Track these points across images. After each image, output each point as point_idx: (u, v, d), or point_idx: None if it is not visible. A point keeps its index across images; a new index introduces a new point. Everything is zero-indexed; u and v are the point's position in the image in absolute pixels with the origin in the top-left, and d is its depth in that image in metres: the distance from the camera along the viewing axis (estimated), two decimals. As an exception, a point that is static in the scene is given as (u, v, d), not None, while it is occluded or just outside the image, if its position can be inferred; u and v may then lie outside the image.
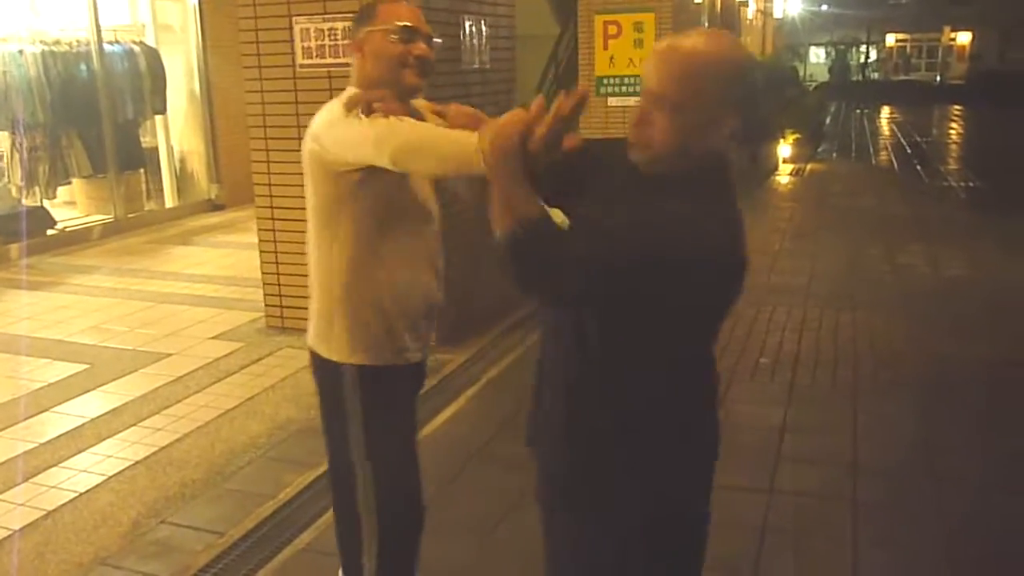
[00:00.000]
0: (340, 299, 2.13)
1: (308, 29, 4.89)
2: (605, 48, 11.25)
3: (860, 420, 4.07)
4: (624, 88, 11.18)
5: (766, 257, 7.28)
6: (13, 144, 7.76)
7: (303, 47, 4.91)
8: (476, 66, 5.36)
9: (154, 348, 4.98)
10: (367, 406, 2.20)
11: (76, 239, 8.17)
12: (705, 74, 1.47)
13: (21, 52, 7.69)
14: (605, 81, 11.33)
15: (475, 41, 5.29)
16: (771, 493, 3.41)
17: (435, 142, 1.86)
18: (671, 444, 1.62)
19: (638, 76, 10.95)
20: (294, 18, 4.91)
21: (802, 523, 3.21)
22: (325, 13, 4.83)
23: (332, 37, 4.84)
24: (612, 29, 11.17)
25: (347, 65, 4.85)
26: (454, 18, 5.02)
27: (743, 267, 1.57)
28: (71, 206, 8.95)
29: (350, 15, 4.72)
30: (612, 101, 11.30)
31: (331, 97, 5.36)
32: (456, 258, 5.10)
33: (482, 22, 5.35)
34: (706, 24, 14.26)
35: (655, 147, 1.51)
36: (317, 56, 4.90)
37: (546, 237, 1.46)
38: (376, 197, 2.05)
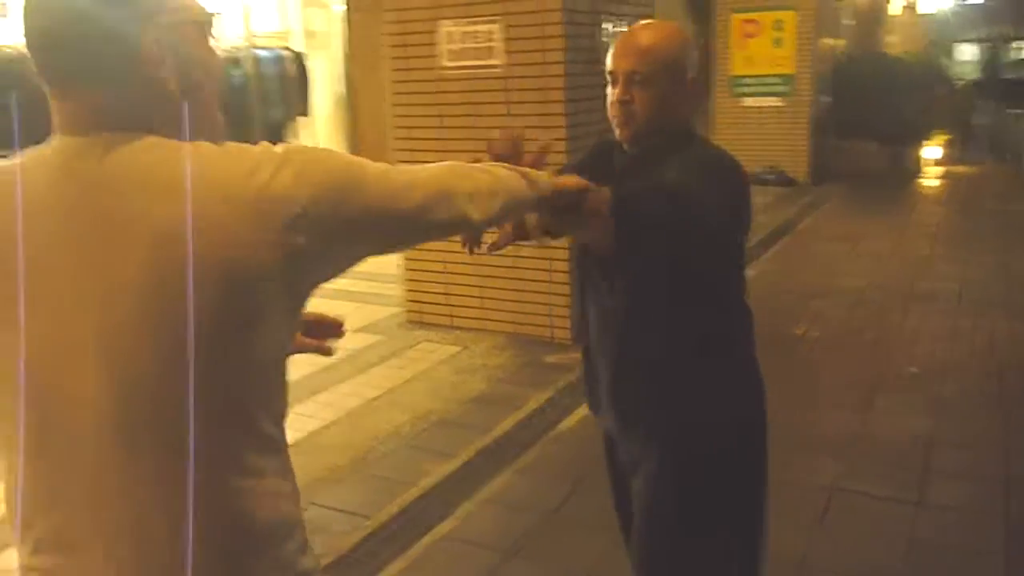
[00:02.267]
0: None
1: (453, 32, 5.02)
2: (742, 47, 11.05)
3: (1012, 434, 3.87)
4: (762, 88, 10.94)
5: (913, 262, 6.99)
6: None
7: (447, 49, 5.05)
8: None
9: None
10: None
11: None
12: (663, 49, 1.77)
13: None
14: (740, 81, 11.12)
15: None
16: (919, 506, 3.28)
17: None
18: (732, 375, 1.92)
19: (777, 76, 10.72)
20: (439, 21, 5.06)
21: (951, 538, 3.08)
22: (469, 16, 4.95)
23: (475, 40, 4.96)
24: (750, 27, 10.95)
25: (489, 67, 4.97)
26: (594, 19, 5.05)
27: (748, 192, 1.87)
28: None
29: (494, 17, 4.86)
30: (747, 101, 11.08)
31: (473, 98, 5.46)
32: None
33: (623, 23, 5.36)
34: (853, 22, 13.80)
35: (638, 118, 1.79)
36: (460, 58, 5.02)
37: (634, 207, 1.58)
38: None
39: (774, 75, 10.91)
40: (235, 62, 8.76)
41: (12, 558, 2.41)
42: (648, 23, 1.86)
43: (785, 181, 10.69)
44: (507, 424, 4.01)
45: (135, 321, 0.98)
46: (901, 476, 3.50)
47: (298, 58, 9.41)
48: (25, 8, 1.03)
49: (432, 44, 5.09)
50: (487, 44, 4.93)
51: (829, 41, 11.56)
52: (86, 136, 1.03)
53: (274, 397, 1.11)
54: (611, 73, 1.82)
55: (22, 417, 1.04)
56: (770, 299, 6.27)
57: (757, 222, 7.99)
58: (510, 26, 4.84)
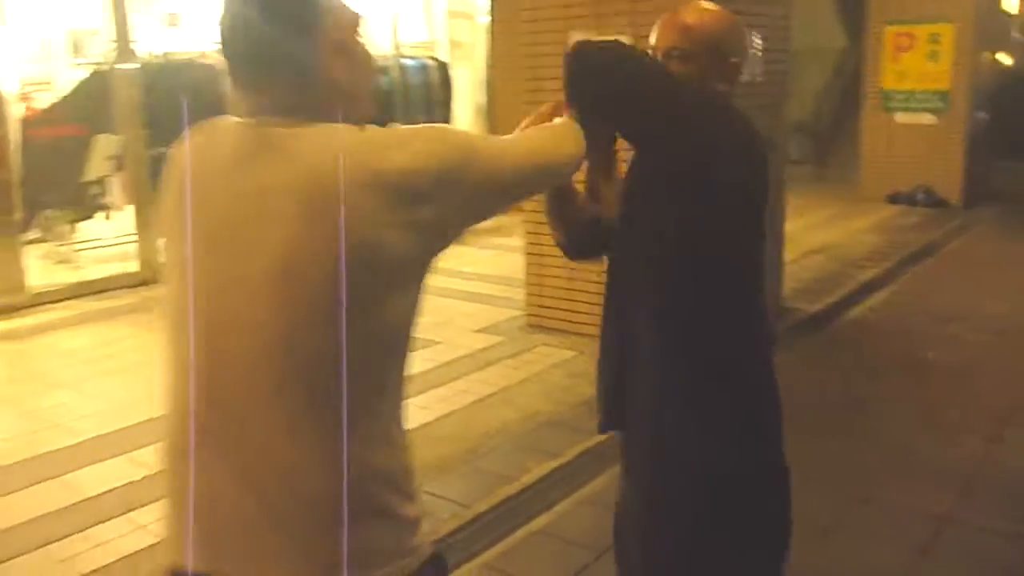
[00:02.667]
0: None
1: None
2: (895, 61, 10.62)
3: None
4: (914, 104, 10.49)
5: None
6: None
7: (577, 59, 5.15)
8: (746, 78, 5.32)
9: (426, 335, 5.43)
10: None
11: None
12: (705, 29, 1.83)
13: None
14: (893, 96, 10.70)
15: (752, 52, 5.26)
16: (1038, 542, 3.12)
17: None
18: (743, 396, 1.89)
19: (932, 91, 10.24)
20: (570, 32, 5.16)
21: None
22: (599, 26, 5.03)
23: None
24: (904, 41, 10.52)
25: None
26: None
27: (764, 163, 1.90)
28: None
29: (623, 28, 4.91)
30: (899, 117, 10.64)
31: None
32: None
33: (755, 34, 5.31)
34: (1020, 35, 13.03)
35: None
36: (589, 68, 5.11)
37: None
38: None
39: (928, 91, 10.45)
40: (382, 70, 9.17)
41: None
42: (696, 3, 1.90)
43: (935, 202, 10.20)
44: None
45: (291, 275, 1.18)
46: (1022, 512, 3.33)
47: (442, 67, 9.74)
48: (223, 22, 1.28)
49: (561, 55, 5.20)
50: (616, 54, 5.00)
51: (990, 56, 10.95)
52: (270, 120, 1.26)
53: (402, 357, 1.29)
54: (653, 49, 1.88)
55: (193, 340, 1.24)
56: (903, 320, 6.06)
57: (898, 241, 7.82)
58: (640, 36, 4.89)
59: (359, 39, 1.33)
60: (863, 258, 7.53)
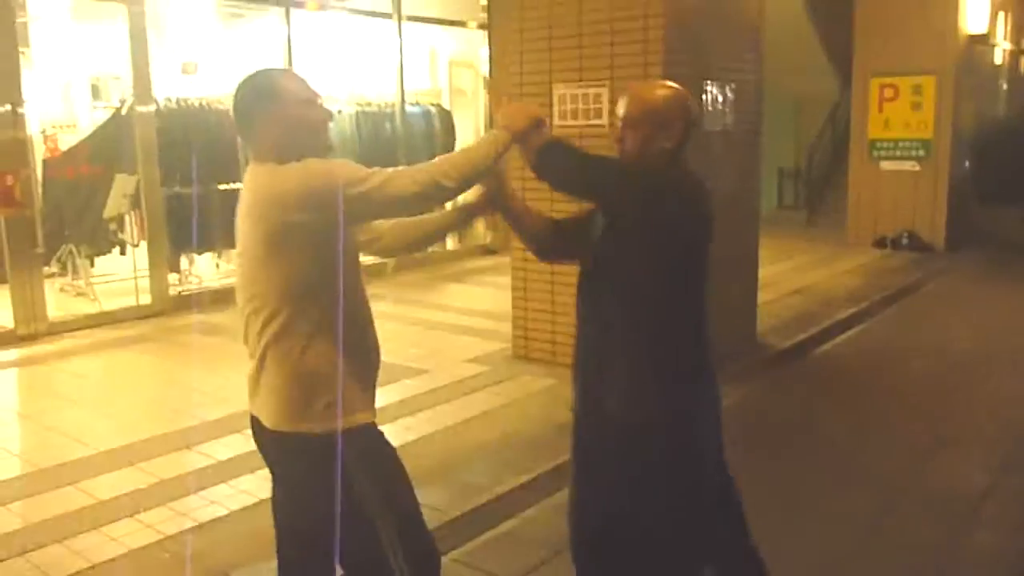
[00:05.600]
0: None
1: (565, 94, 5.55)
2: (880, 111, 11.06)
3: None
4: (899, 152, 10.91)
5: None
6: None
7: (559, 110, 5.58)
8: (719, 128, 5.75)
9: (416, 364, 5.80)
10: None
11: (374, 272, 9.42)
12: (650, 101, 2.37)
13: (339, 112, 9.13)
14: (878, 144, 11.11)
15: (718, 105, 5.69)
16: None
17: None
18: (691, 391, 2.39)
19: (915, 140, 10.65)
20: (553, 84, 5.61)
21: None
22: (580, 80, 5.47)
23: (585, 101, 5.47)
24: (889, 92, 10.98)
25: (598, 126, 5.43)
26: (697, 84, 5.46)
27: (708, 219, 2.38)
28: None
29: (602, 82, 5.35)
30: (885, 165, 11.05)
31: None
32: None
33: (727, 87, 5.74)
34: (1005, 86, 13.46)
35: (627, 152, 2.37)
36: (571, 117, 5.54)
37: (564, 149, 2.36)
38: None
39: (912, 139, 10.87)
40: (388, 117, 9.65)
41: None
42: (652, 82, 2.52)
43: (920, 246, 10.56)
44: (583, 448, 4.40)
45: (251, 248, 2.17)
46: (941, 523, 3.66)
47: (444, 114, 10.21)
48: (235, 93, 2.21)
49: (547, 105, 5.64)
50: (595, 105, 5.43)
51: (972, 105, 11.38)
52: (255, 163, 2.19)
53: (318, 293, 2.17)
54: (621, 118, 2.40)
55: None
56: (869, 355, 6.41)
57: (878, 284, 8.17)
58: (616, 90, 5.32)
59: (310, 107, 2.21)
60: (841, 298, 7.88)
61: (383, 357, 2.41)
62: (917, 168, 10.85)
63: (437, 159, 2.22)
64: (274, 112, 2.14)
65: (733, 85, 5.80)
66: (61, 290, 7.94)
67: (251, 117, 2.16)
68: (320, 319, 2.16)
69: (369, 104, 9.55)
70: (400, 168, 2.19)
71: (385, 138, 9.60)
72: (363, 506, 2.21)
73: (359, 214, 2.17)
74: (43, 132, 9.25)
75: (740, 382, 5.53)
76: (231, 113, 2.21)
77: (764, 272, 6.79)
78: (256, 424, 2.29)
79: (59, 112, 9.82)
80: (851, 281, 8.75)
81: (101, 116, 8.76)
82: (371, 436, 2.31)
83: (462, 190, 2.23)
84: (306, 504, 2.25)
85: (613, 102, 5.34)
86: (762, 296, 6.76)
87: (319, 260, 2.13)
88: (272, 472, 2.39)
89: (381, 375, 2.40)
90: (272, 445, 2.26)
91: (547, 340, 5.95)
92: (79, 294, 7.89)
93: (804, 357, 6.33)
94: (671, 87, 2.44)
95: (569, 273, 5.59)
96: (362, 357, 2.29)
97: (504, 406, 5.09)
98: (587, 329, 2.46)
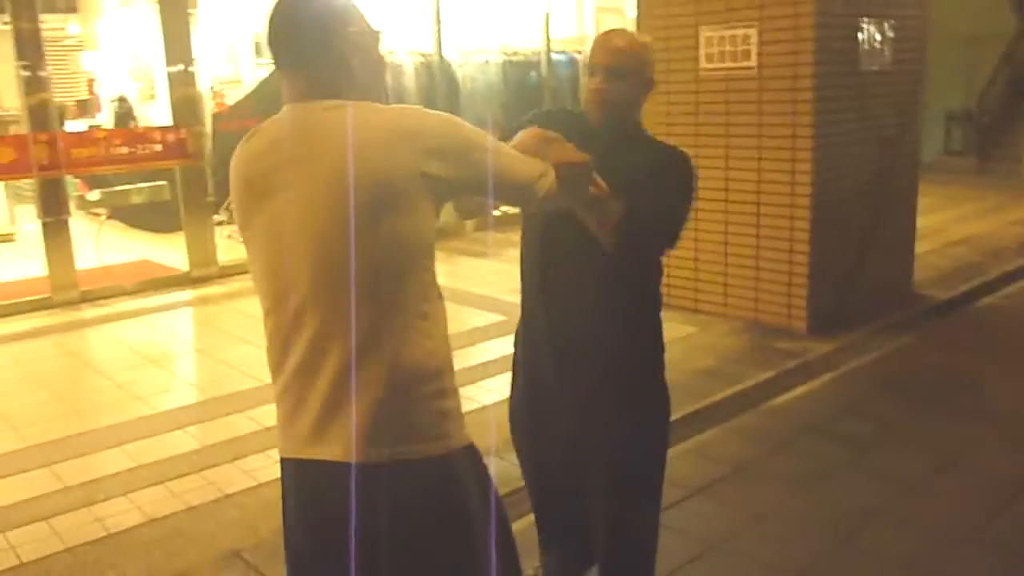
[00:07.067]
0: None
1: (712, 36, 5.43)
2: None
3: None
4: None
5: None
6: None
7: (705, 53, 5.47)
8: (876, 68, 5.48)
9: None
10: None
11: (507, 222, 9.56)
12: (638, 53, 2.25)
13: (487, 62, 9.24)
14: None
15: (875, 43, 5.42)
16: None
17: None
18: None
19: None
20: (700, 27, 5.49)
21: None
22: (728, 22, 5.33)
23: (732, 43, 5.33)
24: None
25: (744, 68, 5.29)
26: (850, 22, 5.21)
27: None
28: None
29: (751, 23, 5.20)
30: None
31: (728, 98, 5.91)
32: (841, 242, 5.35)
33: (884, 24, 5.45)
34: None
35: (611, 102, 2.23)
36: (718, 61, 5.42)
37: (644, 218, 2.06)
38: None
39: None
40: (534, 65, 9.68)
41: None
42: (623, 30, 2.35)
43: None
44: (723, 393, 4.39)
45: (327, 213, 1.53)
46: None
47: (590, 61, 10.14)
48: (271, 19, 1.66)
49: (693, 48, 5.53)
50: (743, 47, 5.29)
51: None
52: (302, 102, 1.63)
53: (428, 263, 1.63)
54: (591, 66, 2.27)
55: (265, 287, 1.64)
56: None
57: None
58: (764, 30, 5.17)
59: (375, 43, 1.70)
60: (1011, 249, 7.41)
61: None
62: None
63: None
64: (351, 37, 1.64)
65: (893, 22, 5.50)
66: (229, 236, 8.48)
67: (324, 38, 1.61)
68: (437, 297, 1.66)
69: (515, 53, 9.61)
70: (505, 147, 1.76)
71: (530, 87, 9.65)
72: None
73: (475, 186, 1.68)
74: (212, 89, 9.84)
75: (893, 334, 5.35)
76: (282, 32, 1.66)
77: (925, 221, 6.48)
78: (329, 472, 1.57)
79: (226, 70, 10.42)
80: (1021, 231, 8.19)
81: (263, 72, 9.22)
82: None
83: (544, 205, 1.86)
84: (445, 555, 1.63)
85: (762, 43, 5.20)
86: (922, 246, 6.46)
87: (432, 229, 1.63)
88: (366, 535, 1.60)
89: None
90: (382, 483, 1.56)
91: (690, 288, 5.91)
92: (245, 240, 8.41)
93: (966, 310, 6.02)
94: (642, 36, 2.35)
95: (713, 222, 5.54)
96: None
97: (645, 352, 5.11)
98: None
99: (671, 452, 3.77)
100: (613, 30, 2.36)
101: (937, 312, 5.86)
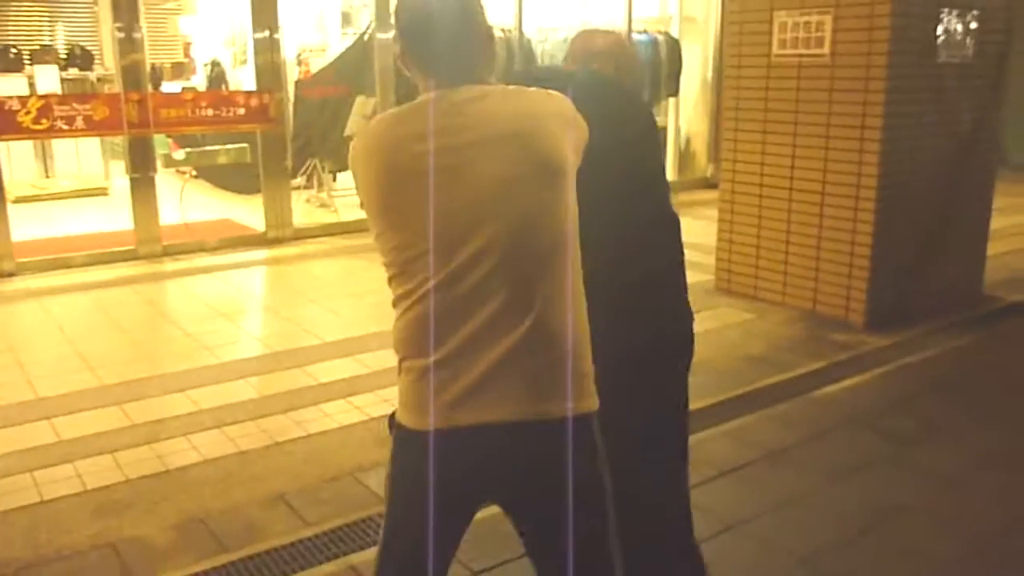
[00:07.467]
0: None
1: (786, 22, 5.38)
2: None
3: None
4: None
5: None
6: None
7: (779, 39, 5.42)
8: (956, 60, 5.35)
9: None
10: None
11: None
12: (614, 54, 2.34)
13: (567, 39, 9.25)
14: None
15: (956, 35, 5.29)
16: None
17: None
18: None
19: None
20: (775, 12, 5.44)
21: None
22: (803, 7, 5.28)
23: (807, 29, 5.28)
24: None
25: (817, 56, 5.24)
26: (929, 11, 5.10)
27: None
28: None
29: (826, 8, 5.14)
30: None
31: (798, 85, 5.87)
32: (906, 238, 5.27)
33: (967, 15, 5.31)
34: None
35: None
36: (791, 47, 5.37)
37: None
38: None
39: None
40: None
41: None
42: (603, 30, 2.46)
43: None
44: (769, 380, 4.42)
45: (522, 187, 1.63)
46: None
47: (672, 42, 10.07)
48: (406, 16, 1.72)
49: (766, 33, 5.49)
50: (817, 34, 5.23)
51: None
52: (455, 87, 1.67)
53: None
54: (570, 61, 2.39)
55: (432, 261, 1.63)
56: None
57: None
58: (840, 17, 5.10)
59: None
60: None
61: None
62: None
63: None
64: (487, 22, 1.77)
65: (976, 12, 5.36)
66: (307, 201, 8.77)
67: (481, 26, 1.74)
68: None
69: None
70: None
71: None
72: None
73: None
74: (298, 56, 10.12)
75: (954, 333, 5.26)
76: (466, 15, 1.72)
77: (1001, 223, 6.30)
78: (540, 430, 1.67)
79: (314, 38, 10.68)
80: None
81: (347, 41, 9.44)
82: None
83: None
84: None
85: (836, 31, 5.13)
86: (999, 247, 6.30)
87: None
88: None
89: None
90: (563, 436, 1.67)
91: (750, 275, 5.90)
92: (321, 205, 8.69)
93: (1033, 313, 5.87)
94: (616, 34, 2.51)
95: (777, 210, 5.52)
96: None
97: (697, 335, 5.14)
98: None
99: (707, 433, 3.88)
100: (595, 29, 2.50)
101: (1003, 314, 5.72)
